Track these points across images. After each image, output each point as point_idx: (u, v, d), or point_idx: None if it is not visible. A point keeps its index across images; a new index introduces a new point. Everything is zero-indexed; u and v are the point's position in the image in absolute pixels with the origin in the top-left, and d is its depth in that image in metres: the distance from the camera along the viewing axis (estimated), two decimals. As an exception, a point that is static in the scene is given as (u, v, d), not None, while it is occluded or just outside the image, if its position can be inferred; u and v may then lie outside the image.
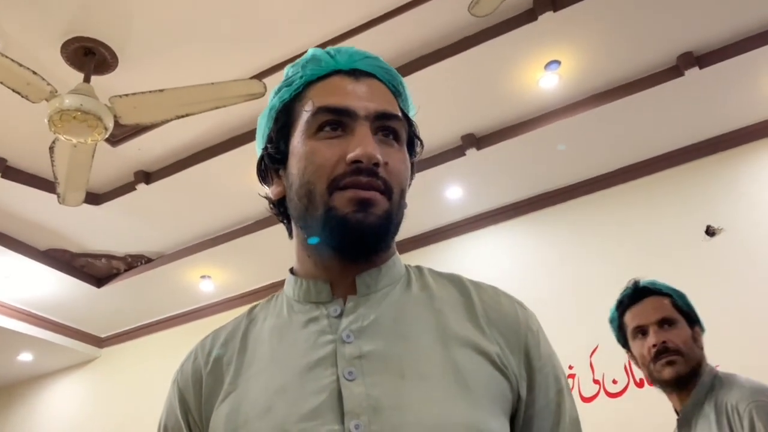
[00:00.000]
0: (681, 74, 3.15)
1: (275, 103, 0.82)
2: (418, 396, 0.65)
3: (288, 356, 0.71)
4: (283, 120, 0.80)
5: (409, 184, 0.80)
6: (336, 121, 0.74)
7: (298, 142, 0.76)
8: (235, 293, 4.79)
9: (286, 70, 0.83)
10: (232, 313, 4.67)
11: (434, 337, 0.71)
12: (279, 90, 0.82)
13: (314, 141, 0.74)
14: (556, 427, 0.74)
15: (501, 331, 0.73)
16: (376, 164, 0.71)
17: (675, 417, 1.68)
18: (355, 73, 0.79)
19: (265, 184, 0.83)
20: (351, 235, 0.71)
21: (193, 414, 0.74)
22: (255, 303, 0.83)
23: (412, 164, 0.82)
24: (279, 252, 4.16)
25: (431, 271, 0.83)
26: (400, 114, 0.79)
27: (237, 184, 3.66)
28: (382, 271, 0.77)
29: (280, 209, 0.82)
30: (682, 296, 1.69)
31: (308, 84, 0.80)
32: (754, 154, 3.50)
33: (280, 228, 0.85)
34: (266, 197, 0.84)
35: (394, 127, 0.77)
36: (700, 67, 3.12)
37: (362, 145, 0.71)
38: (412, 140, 0.83)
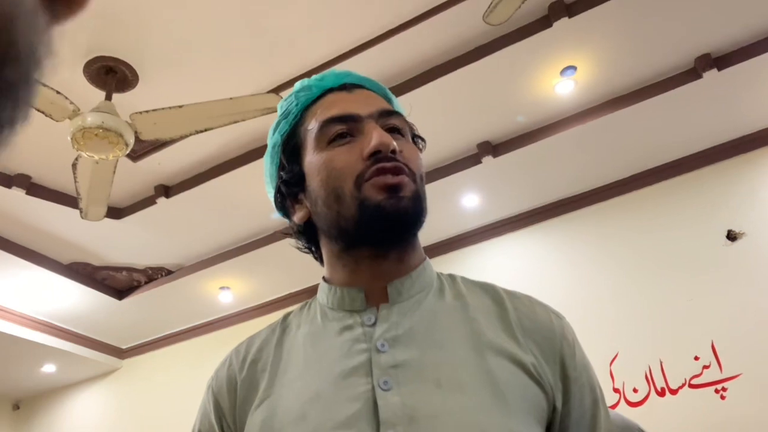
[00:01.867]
0: (699, 77, 3.12)
1: (276, 139, 0.84)
2: (454, 405, 0.65)
3: (322, 364, 0.72)
4: (291, 147, 0.82)
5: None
6: (344, 129, 0.77)
7: (312, 158, 0.78)
8: (254, 304, 4.81)
9: (279, 105, 0.85)
10: (251, 324, 4.72)
11: (469, 345, 0.71)
12: (277, 125, 0.84)
13: (328, 151, 0.76)
14: None
15: (536, 341, 0.73)
16: (393, 151, 0.74)
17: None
18: (346, 87, 0.83)
19: (286, 216, 0.84)
20: (388, 221, 0.72)
21: (228, 420, 0.75)
22: (289, 310, 0.84)
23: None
24: (297, 262, 4.18)
25: (464, 279, 0.83)
26: (399, 111, 0.83)
27: (255, 196, 3.69)
28: (413, 277, 0.77)
29: (306, 237, 0.83)
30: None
31: (305, 109, 0.83)
32: (775, 157, 3.46)
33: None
34: (290, 228, 0.85)
35: (397, 123, 0.80)
36: (719, 69, 3.09)
37: (376, 136, 0.74)
38: (414, 139, 0.85)
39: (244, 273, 4.42)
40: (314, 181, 0.77)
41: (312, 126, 0.78)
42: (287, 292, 4.64)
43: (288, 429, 0.67)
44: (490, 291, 0.79)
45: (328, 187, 0.75)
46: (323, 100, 0.81)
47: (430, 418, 0.64)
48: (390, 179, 0.72)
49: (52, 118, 2.50)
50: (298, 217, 0.81)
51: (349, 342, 0.72)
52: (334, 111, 0.78)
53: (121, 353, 5.38)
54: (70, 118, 2.50)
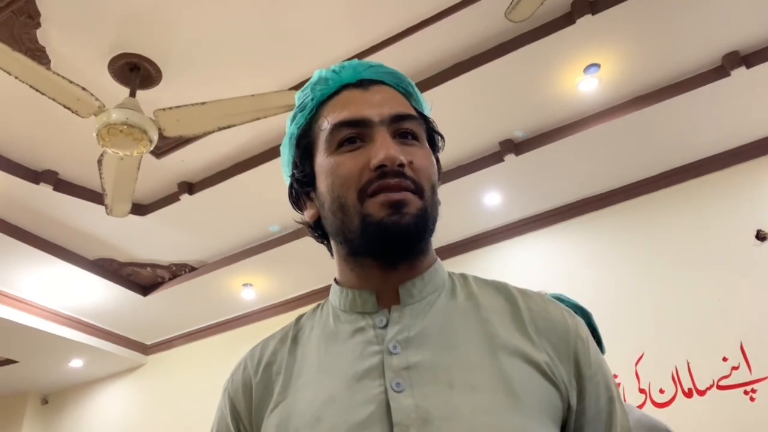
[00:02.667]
0: (727, 74, 3.06)
1: (293, 131, 0.84)
2: (468, 407, 0.64)
3: (336, 366, 0.72)
4: (304, 144, 0.81)
5: (439, 180, 0.80)
6: (354, 133, 0.75)
7: (321, 160, 0.77)
8: (277, 300, 4.84)
9: (297, 96, 0.85)
10: (273, 321, 4.74)
11: (482, 346, 0.70)
12: (294, 117, 0.84)
13: (337, 156, 0.76)
14: None
15: (550, 340, 0.72)
16: (401, 165, 0.72)
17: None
18: (363, 84, 0.81)
19: (299, 209, 0.85)
20: (390, 238, 0.71)
21: (244, 423, 0.76)
22: (302, 313, 0.85)
23: (438, 160, 0.83)
24: (319, 259, 4.20)
25: (476, 278, 0.82)
26: (414, 113, 0.80)
27: (277, 192, 3.69)
28: (425, 279, 0.77)
29: (318, 231, 0.83)
30: (587, 315, 1.61)
31: (320, 104, 0.82)
32: (806, 155, 3.38)
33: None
34: (303, 222, 0.86)
35: (410, 127, 0.78)
36: (747, 67, 3.03)
37: (383, 148, 0.72)
38: (432, 137, 0.83)
39: (266, 270, 4.45)
40: (322, 185, 0.77)
41: (324, 126, 0.78)
42: (310, 289, 4.66)
43: None
44: (502, 290, 0.79)
45: (333, 195, 0.75)
46: (338, 97, 0.80)
47: (444, 419, 0.63)
48: (393, 196, 0.71)
49: (78, 114, 2.55)
50: (309, 215, 0.82)
51: (361, 344, 0.72)
52: (346, 114, 0.76)
53: (145, 349, 5.46)
54: (95, 115, 2.54)
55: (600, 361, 0.75)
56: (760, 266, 3.20)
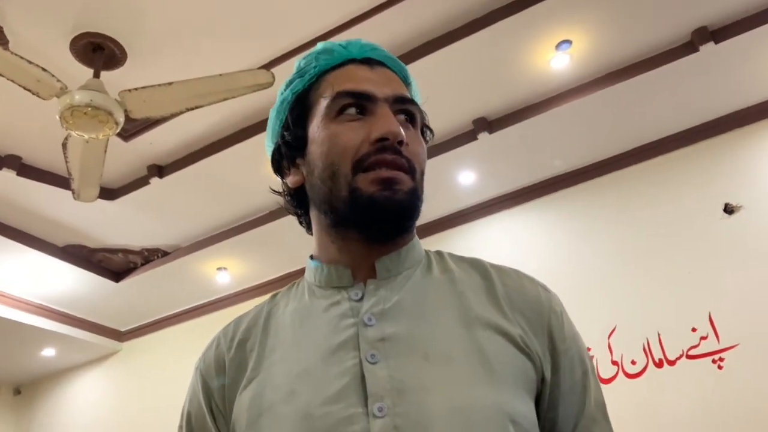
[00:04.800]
0: (696, 50, 3.09)
1: (287, 95, 0.83)
2: (442, 378, 0.65)
3: (310, 340, 0.72)
4: (299, 109, 0.80)
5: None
6: (356, 104, 0.76)
7: (318, 127, 0.77)
8: (252, 284, 4.82)
9: (297, 63, 0.84)
10: (248, 304, 4.70)
11: (456, 319, 0.71)
12: (291, 82, 0.83)
13: (336, 124, 0.75)
14: (581, 409, 0.74)
15: (524, 314, 0.73)
16: (400, 142, 0.73)
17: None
18: (369, 62, 0.81)
19: (280, 175, 0.84)
20: (380, 213, 0.72)
21: (216, 400, 0.75)
22: (276, 290, 0.84)
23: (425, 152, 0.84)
24: (294, 242, 4.18)
25: (452, 255, 0.83)
26: (413, 100, 0.81)
27: (250, 174, 3.67)
28: (402, 254, 0.77)
29: (296, 201, 0.83)
30: None
31: (323, 74, 0.81)
32: (772, 130, 3.43)
33: (295, 218, 0.85)
34: (279, 191, 0.85)
35: (411, 110, 0.79)
36: (716, 42, 3.05)
37: (387, 123, 0.73)
38: (423, 129, 0.84)
39: (241, 253, 4.41)
40: (315, 151, 0.76)
41: (326, 94, 0.77)
42: (285, 272, 4.64)
43: (277, 406, 0.67)
44: (477, 266, 0.80)
45: (327, 162, 0.74)
46: (343, 69, 0.80)
47: (419, 390, 0.64)
48: (385, 173, 0.71)
49: (39, 96, 2.47)
50: (292, 181, 0.81)
51: (336, 318, 0.72)
52: (351, 85, 0.76)
53: (120, 336, 5.39)
54: (57, 96, 2.47)
55: (574, 335, 0.77)
56: (728, 239, 3.27)
